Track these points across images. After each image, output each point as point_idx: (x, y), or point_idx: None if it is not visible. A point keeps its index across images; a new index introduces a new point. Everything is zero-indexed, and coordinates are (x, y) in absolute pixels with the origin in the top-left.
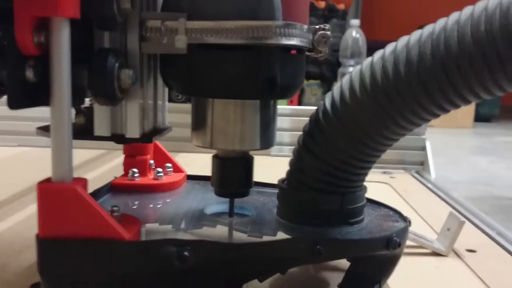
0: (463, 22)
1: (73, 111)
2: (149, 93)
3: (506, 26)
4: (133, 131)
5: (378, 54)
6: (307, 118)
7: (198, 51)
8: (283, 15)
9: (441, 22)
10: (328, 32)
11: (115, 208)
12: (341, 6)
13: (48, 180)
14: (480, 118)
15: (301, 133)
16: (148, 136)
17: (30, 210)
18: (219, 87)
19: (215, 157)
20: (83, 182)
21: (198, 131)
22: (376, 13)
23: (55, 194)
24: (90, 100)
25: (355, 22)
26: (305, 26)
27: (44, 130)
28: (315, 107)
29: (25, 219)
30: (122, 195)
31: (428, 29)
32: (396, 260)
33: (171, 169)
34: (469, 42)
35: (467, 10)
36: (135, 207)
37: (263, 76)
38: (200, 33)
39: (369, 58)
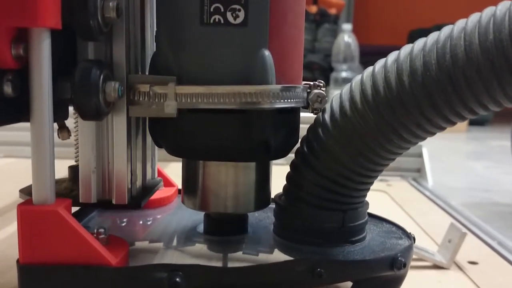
0: (470, 30)
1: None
2: (137, 153)
3: None
4: (120, 197)
5: (379, 64)
6: (304, 125)
7: (188, 114)
8: (276, 76)
9: (446, 30)
10: (323, 90)
11: (101, 230)
12: (333, 11)
13: (29, 202)
14: (474, 122)
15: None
16: (137, 199)
17: (15, 226)
18: (210, 150)
19: (206, 215)
20: (66, 203)
21: (188, 192)
22: (368, 17)
23: (37, 217)
24: (75, 161)
25: (347, 26)
26: (300, 87)
27: (27, 194)
28: (311, 114)
29: (9, 236)
30: (110, 212)
31: (432, 37)
32: (401, 280)
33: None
34: (477, 51)
35: (474, 18)
36: (123, 225)
37: (256, 139)
38: (190, 98)
39: (370, 68)
